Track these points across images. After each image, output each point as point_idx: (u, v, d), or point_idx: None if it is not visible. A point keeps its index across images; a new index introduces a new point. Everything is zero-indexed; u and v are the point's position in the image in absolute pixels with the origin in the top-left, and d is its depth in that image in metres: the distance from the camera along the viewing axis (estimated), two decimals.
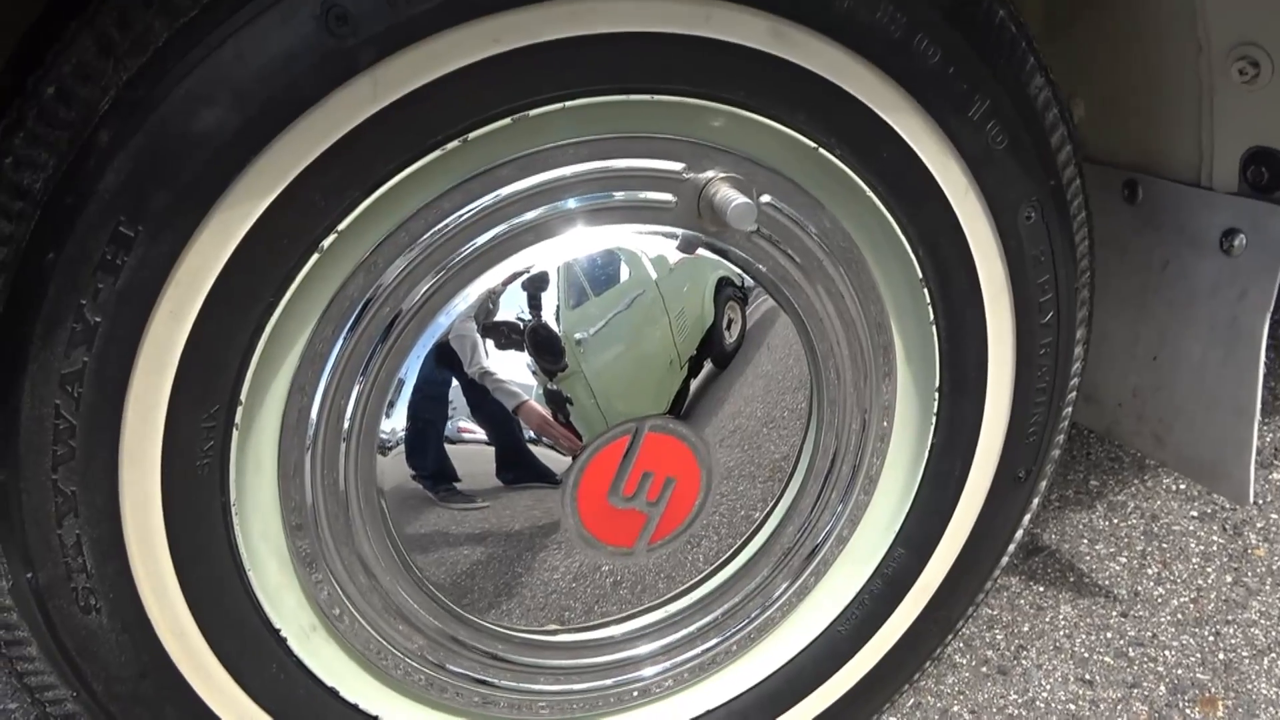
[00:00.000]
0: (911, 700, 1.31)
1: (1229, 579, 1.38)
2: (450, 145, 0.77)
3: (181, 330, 0.74)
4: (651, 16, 0.78)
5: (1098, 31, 1.20)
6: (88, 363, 0.73)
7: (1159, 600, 1.38)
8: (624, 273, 0.90)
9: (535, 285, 0.88)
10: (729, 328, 0.96)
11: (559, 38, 0.76)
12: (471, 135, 0.78)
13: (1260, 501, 1.47)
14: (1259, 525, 1.44)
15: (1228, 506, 1.48)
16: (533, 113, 0.79)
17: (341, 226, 0.77)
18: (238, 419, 0.80)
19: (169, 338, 0.74)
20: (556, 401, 0.89)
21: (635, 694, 1.10)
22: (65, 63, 0.70)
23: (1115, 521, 1.49)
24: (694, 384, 0.96)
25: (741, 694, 1.14)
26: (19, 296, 0.71)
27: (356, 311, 0.83)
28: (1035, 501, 1.18)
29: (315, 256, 0.77)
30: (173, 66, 0.69)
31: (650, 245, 0.90)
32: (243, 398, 0.79)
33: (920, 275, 0.97)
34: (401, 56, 0.72)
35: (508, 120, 0.78)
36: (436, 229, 0.82)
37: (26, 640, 0.81)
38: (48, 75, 0.70)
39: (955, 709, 1.29)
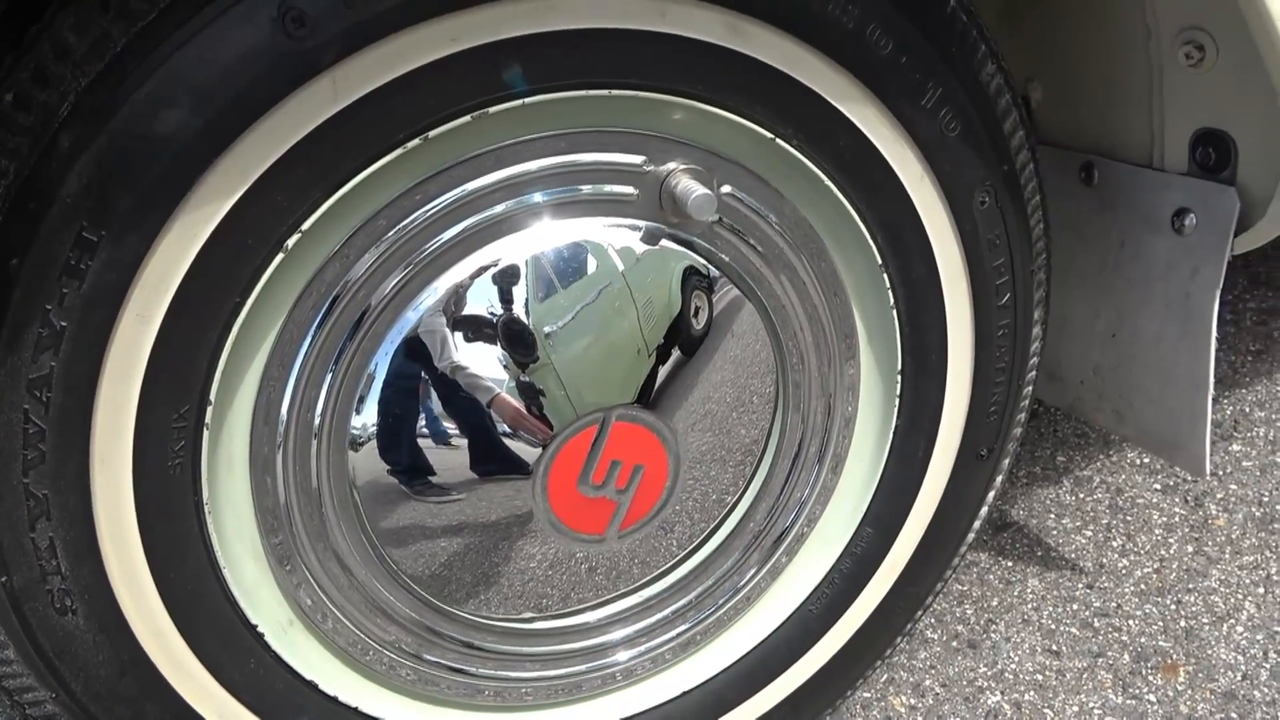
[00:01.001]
0: (885, 675, 1.34)
1: (1190, 549, 1.42)
2: (412, 143, 0.78)
3: (149, 332, 0.75)
4: (608, 13, 0.79)
5: (1052, 17, 1.22)
6: (55, 367, 0.73)
7: (1123, 571, 1.41)
8: (591, 264, 0.91)
9: (503, 278, 0.89)
10: (696, 315, 0.98)
11: (516, 35, 0.77)
12: (432, 133, 0.78)
13: (1220, 473, 1.51)
14: (1219, 496, 1.48)
15: (1189, 479, 1.52)
16: (492, 110, 0.80)
17: (306, 226, 0.78)
18: (208, 418, 0.81)
19: (136, 340, 0.75)
20: (526, 393, 0.91)
21: (617, 676, 1.12)
22: (23, 69, 0.70)
23: (1081, 496, 1.53)
24: (662, 372, 0.97)
25: (718, 674, 1.16)
26: None
27: (324, 308, 0.84)
28: (999, 479, 1.20)
29: (280, 256, 0.78)
30: (132, 70, 0.69)
31: (615, 237, 0.92)
32: (212, 397, 0.80)
33: (879, 261, 0.99)
34: (360, 57, 0.73)
35: (468, 118, 0.79)
36: (401, 225, 0.83)
37: (4, 644, 0.82)
38: (5, 81, 0.70)
39: (927, 683, 1.32)
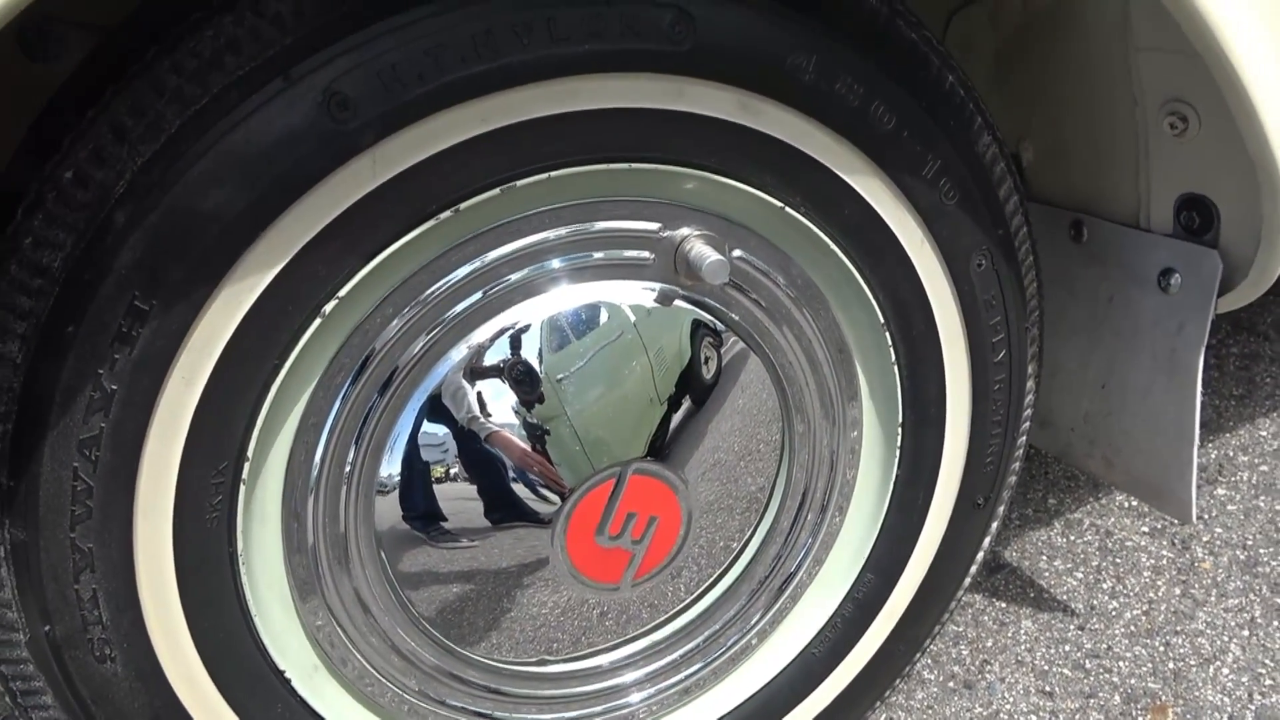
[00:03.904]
0: (884, 716, 1.38)
1: (1178, 591, 1.46)
2: (443, 215, 0.83)
3: (193, 394, 0.79)
4: (629, 94, 0.84)
5: (1044, 80, 1.28)
6: (104, 428, 0.77)
7: (1113, 613, 1.45)
8: (605, 321, 0.96)
9: (522, 339, 0.93)
10: (705, 365, 1.03)
11: (543, 115, 0.82)
12: (463, 205, 0.83)
13: (1205, 517, 1.55)
14: (1205, 539, 1.53)
15: (1177, 523, 1.56)
16: (519, 183, 0.84)
17: (341, 293, 0.82)
18: (245, 473, 0.85)
19: (181, 401, 0.79)
20: (544, 447, 0.95)
21: (631, 718, 1.15)
22: (82, 148, 0.74)
23: (1072, 539, 1.57)
24: (674, 421, 1.02)
25: (723, 716, 1.19)
26: (39, 368, 0.75)
27: (356, 368, 0.88)
28: (995, 525, 1.25)
29: (318, 321, 0.82)
30: (184, 151, 0.74)
31: (630, 298, 0.96)
32: (249, 454, 0.84)
33: (881, 319, 1.04)
34: (398, 137, 0.78)
35: (496, 191, 0.84)
36: (429, 291, 0.88)
37: (43, 690, 0.85)
38: (65, 160, 0.74)
39: None
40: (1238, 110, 0.99)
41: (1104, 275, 1.28)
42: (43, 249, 0.74)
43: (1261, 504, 1.56)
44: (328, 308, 0.82)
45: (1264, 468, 1.63)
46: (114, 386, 0.76)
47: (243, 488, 0.85)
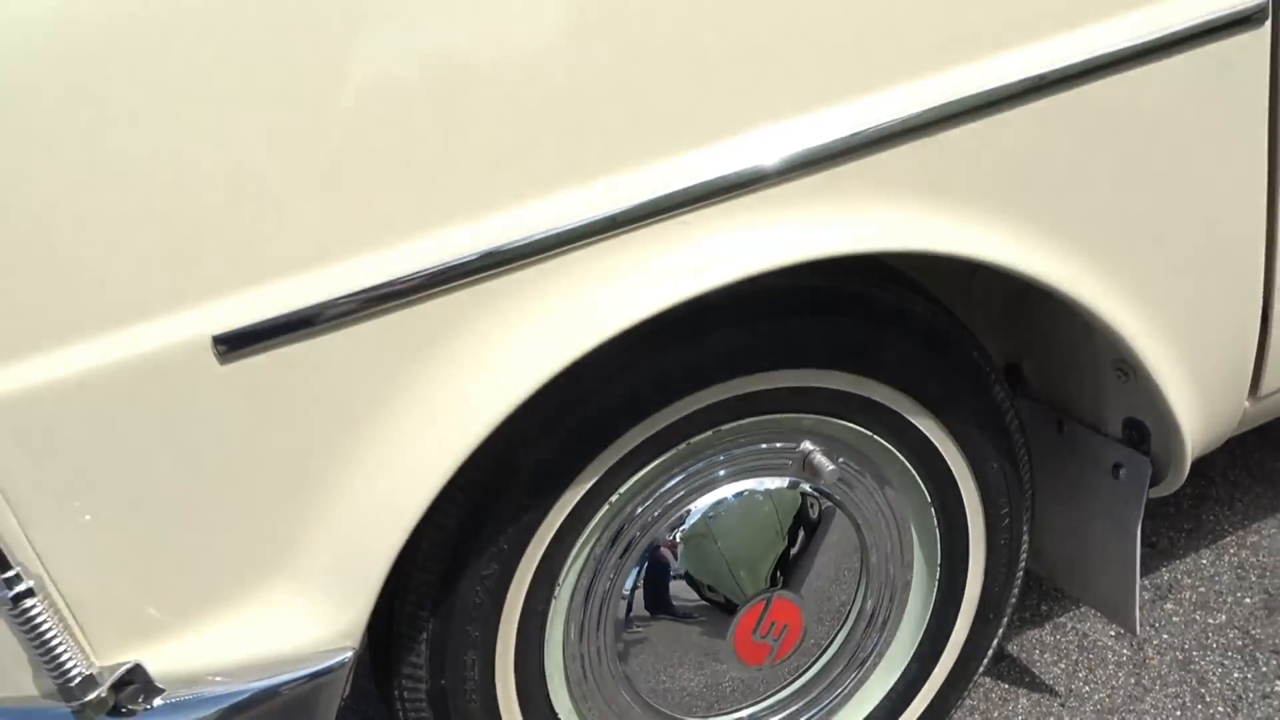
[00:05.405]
0: None
1: (1133, 681, 2.02)
2: (680, 446, 1.42)
3: (530, 565, 1.37)
4: (784, 380, 1.44)
5: (1038, 327, 1.87)
6: (496, 567, 1.36)
7: (1086, 695, 2.01)
8: (757, 500, 1.55)
9: (716, 515, 1.52)
10: (813, 516, 1.61)
11: (723, 399, 1.41)
12: (693, 439, 1.43)
13: (1155, 625, 2.11)
14: (1154, 643, 2.09)
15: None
16: (724, 427, 1.44)
17: (613, 498, 1.41)
18: (553, 602, 1.43)
19: (528, 567, 1.37)
20: (727, 586, 1.53)
21: None
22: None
23: (1057, 637, 2.13)
24: (792, 554, 1.60)
25: None
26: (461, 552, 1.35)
27: (616, 532, 1.47)
28: (1000, 631, 1.81)
29: (605, 507, 1.41)
30: None
31: (770, 485, 1.55)
32: (557, 590, 1.42)
33: (928, 499, 1.62)
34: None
35: (709, 432, 1.43)
36: (664, 488, 1.47)
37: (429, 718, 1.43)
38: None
39: None
40: (1153, 375, 1.58)
41: (1076, 460, 1.86)
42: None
43: (1197, 618, 2.12)
44: (614, 498, 1.41)
45: (1202, 589, 2.20)
46: (505, 544, 1.35)
47: (551, 609, 1.43)
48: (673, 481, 1.48)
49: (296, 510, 1.18)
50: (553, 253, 1.14)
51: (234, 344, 1.10)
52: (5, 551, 1.09)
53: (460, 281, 1.14)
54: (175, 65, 1.00)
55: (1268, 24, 1.32)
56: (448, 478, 1.15)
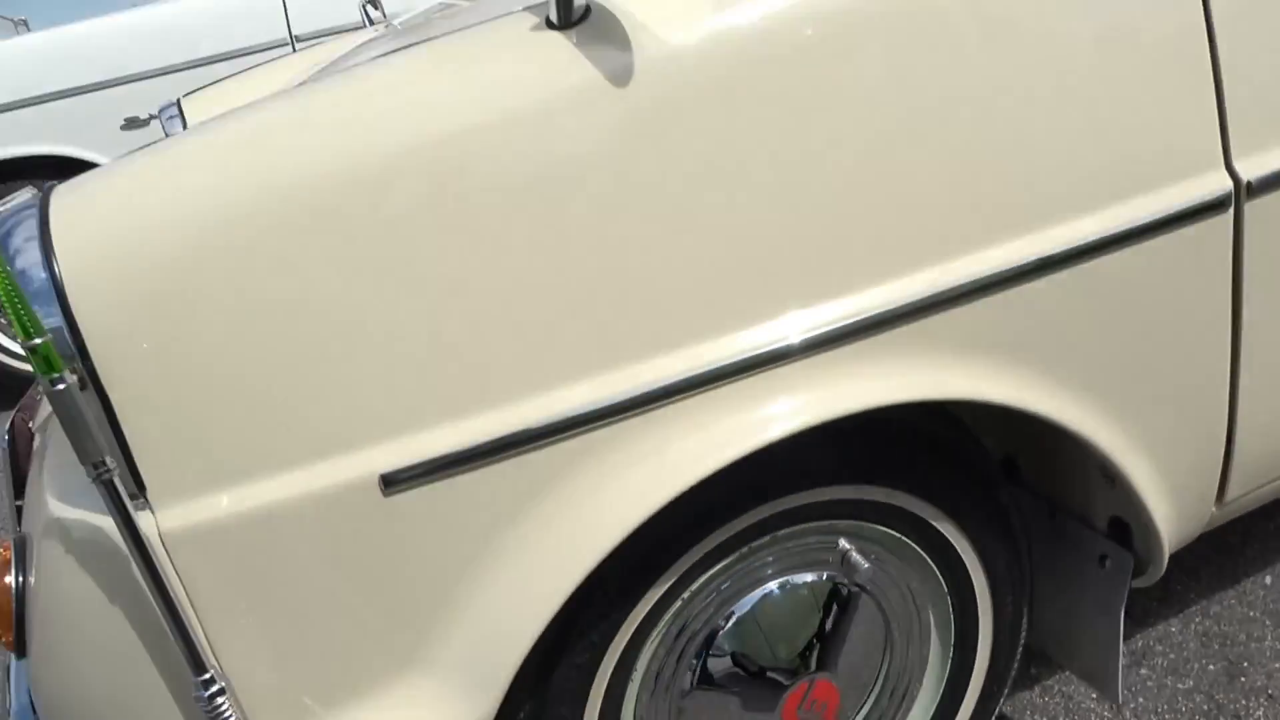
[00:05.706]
0: None
1: None
2: (741, 550, 1.66)
3: (615, 654, 1.60)
4: (835, 494, 1.68)
5: (1025, 439, 2.13)
6: (592, 651, 1.58)
7: None
8: (801, 591, 1.79)
9: (760, 610, 1.75)
10: (846, 601, 1.85)
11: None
12: (748, 547, 1.66)
13: (1131, 689, 2.38)
14: (1131, 706, 2.35)
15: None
16: (781, 532, 1.68)
17: (684, 594, 1.65)
18: (634, 676, 1.65)
19: (613, 655, 1.60)
20: (778, 669, 1.76)
21: None
22: None
23: (1046, 699, 2.39)
24: (826, 633, 1.83)
25: None
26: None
27: (681, 626, 1.70)
28: (1002, 698, 2.06)
29: (678, 604, 1.64)
30: None
31: (810, 579, 1.80)
32: (635, 670, 1.65)
33: (945, 591, 1.88)
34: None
35: (767, 537, 1.67)
36: (722, 586, 1.70)
37: None
38: None
39: None
40: (1135, 493, 1.84)
41: (1065, 545, 2.13)
42: None
43: (1168, 683, 2.39)
44: (685, 595, 1.64)
45: (1172, 655, 2.47)
46: (595, 637, 1.58)
47: (627, 690, 1.66)
48: (729, 579, 1.71)
49: (436, 618, 1.41)
50: (654, 405, 1.39)
51: (394, 481, 1.33)
52: (202, 657, 1.31)
53: (575, 430, 1.38)
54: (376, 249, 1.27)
55: (1230, 210, 1.60)
56: (568, 596, 1.38)
